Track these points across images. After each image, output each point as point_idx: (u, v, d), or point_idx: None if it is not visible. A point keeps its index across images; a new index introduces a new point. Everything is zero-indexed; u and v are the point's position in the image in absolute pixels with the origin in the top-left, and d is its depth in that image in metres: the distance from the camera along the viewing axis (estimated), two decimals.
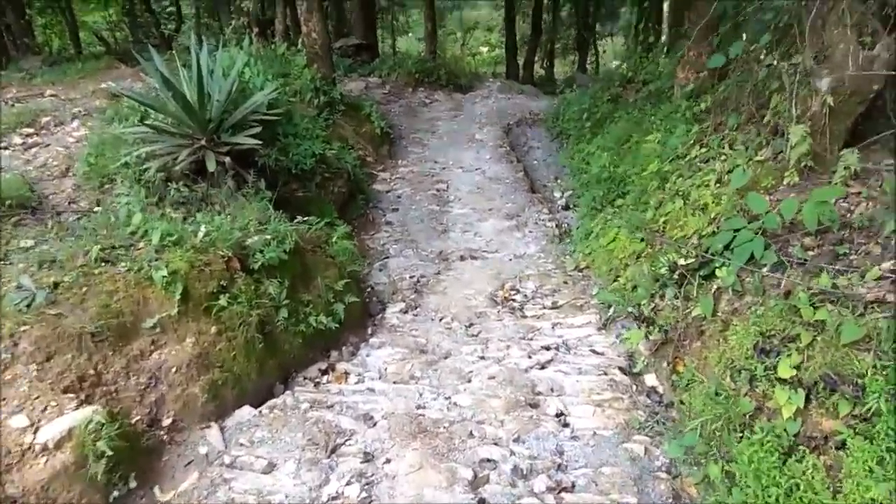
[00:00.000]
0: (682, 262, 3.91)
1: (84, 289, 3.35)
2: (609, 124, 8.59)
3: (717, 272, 3.63)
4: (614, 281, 4.84)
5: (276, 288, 3.94)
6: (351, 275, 4.89)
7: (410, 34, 27.85)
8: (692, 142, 5.30)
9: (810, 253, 3.45)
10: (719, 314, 3.53)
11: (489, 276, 5.62)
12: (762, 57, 4.17)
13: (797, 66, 3.98)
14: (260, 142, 5.05)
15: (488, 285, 5.41)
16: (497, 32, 30.84)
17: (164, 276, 3.42)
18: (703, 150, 5.10)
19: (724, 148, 4.86)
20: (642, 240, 4.72)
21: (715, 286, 3.70)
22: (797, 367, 2.81)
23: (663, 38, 10.54)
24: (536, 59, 22.82)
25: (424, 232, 6.79)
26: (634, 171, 6.24)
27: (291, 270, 4.22)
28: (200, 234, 3.90)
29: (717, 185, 4.44)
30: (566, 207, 7.60)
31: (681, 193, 4.78)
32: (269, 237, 4.18)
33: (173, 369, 3.27)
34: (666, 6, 20.85)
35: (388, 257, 6.24)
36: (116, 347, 3.24)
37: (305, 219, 4.89)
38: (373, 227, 6.94)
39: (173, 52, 11.65)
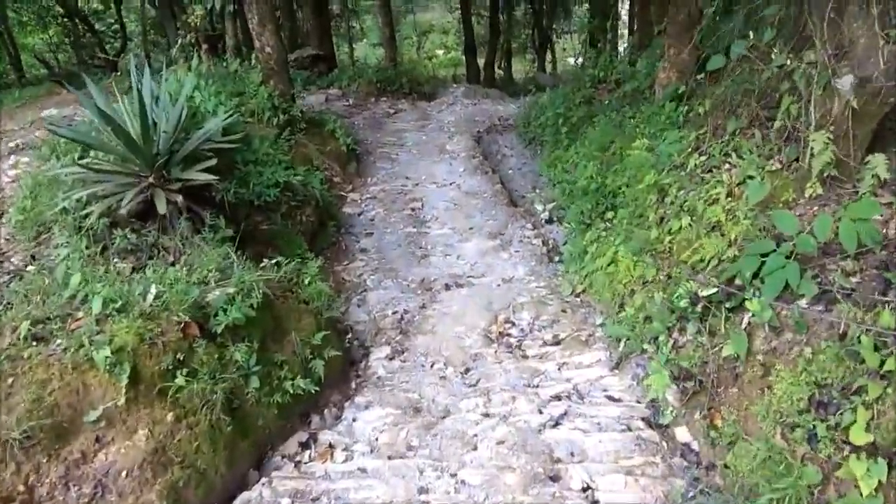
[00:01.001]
0: (703, 292, 3.49)
1: (10, 380, 2.76)
2: (586, 129, 8.19)
3: (747, 304, 3.21)
4: (620, 310, 4.40)
5: (244, 353, 3.38)
6: (329, 322, 4.35)
7: (364, 40, 27.30)
8: (689, 149, 4.90)
9: (853, 279, 3.06)
10: (756, 355, 3.11)
11: (479, 306, 5.14)
12: (773, 55, 3.77)
13: (814, 64, 3.59)
14: (216, 177, 4.48)
15: (480, 318, 4.93)
16: (453, 35, 30.53)
17: (107, 357, 2.84)
18: (703, 158, 4.70)
19: (728, 156, 4.47)
20: (650, 264, 4.28)
21: (745, 320, 3.28)
22: (867, 427, 2.39)
23: (623, 35, 10.20)
24: (495, 59, 22.45)
25: (403, 258, 6.28)
26: (624, 181, 5.82)
27: (261, 328, 3.67)
28: (150, 297, 3.33)
29: (729, 199, 4.03)
30: (550, 221, 7.16)
31: (686, 209, 4.36)
32: (232, 290, 3.62)
33: (123, 473, 2.70)
34: (621, 3, 20.76)
35: (366, 290, 5.71)
36: (52, 452, 2.66)
37: (274, 260, 4.34)
38: (347, 257, 6.39)
39: (119, 73, 10.94)
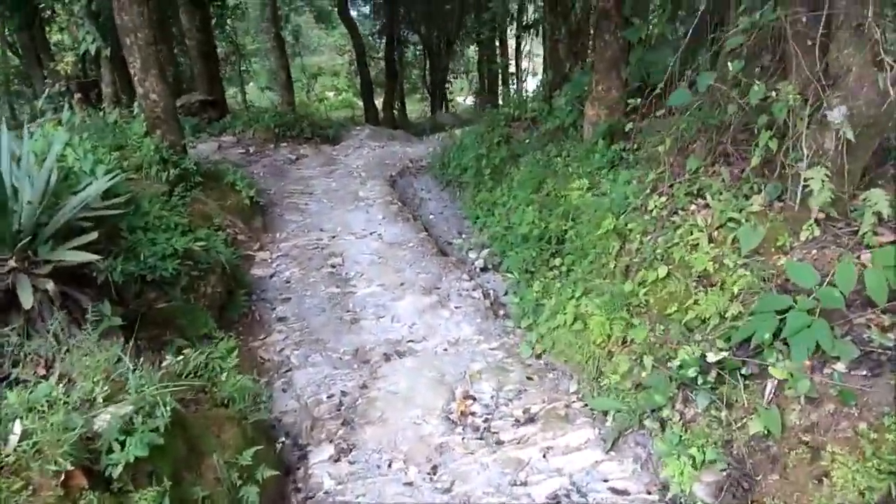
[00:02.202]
0: (712, 357, 3.00)
1: None
2: (511, 169, 7.82)
3: (773, 371, 2.75)
4: (599, 376, 3.86)
5: (153, 500, 2.49)
6: (256, 429, 3.49)
7: (252, 83, 26.25)
8: (647, 190, 4.53)
9: (891, 336, 2.67)
10: (794, 432, 2.63)
11: (431, 380, 4.44)
12: (754, 87, 3.43)
13: (796, 96, 3.28)
14: (96, 256, 3.53)
15: (435, 396, 4.23)
16: (344, 77, 30.09)
17: None
18: (664, 199, 4.33)
19: (694, 196, 4.11)
20: (631, 323, 3.79)
21: (769, 389, 2.81)
22: None
23: (525, 72, 10.02)
24: (393, 100, 22.14)
25: (330, 325, 5.46)
26: (569, 225, 5.40)
27: (172, 455, 2.78)
28: (14, 439, 2.38)
29: (712, 245, 3.63)
30: (485, 269, 6.62)
31: (660, 257, 3.93)
32: (129, 410, 2.72)
33: None
34: (528, 42, 21.17)
35: (291, 369, 4.84)
36: None
37: (178, 357, 3.45)
38: (263, 329, 5.49)
39: None
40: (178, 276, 4.73)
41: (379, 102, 21.22)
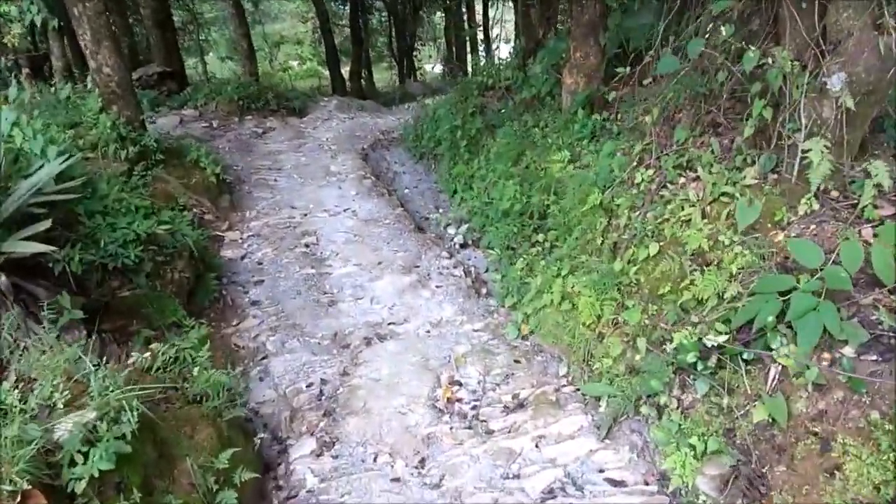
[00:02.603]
0: (711, 341, 2.89)
1: None
2: (487, 140, 7.59)
3: (778, 357, 2.64)
4: (589, 359, 3.74)
5: None
6: (232, 426, 3.29)
7: (212, 54, 25.33)
8: (634, 163, 4.37)
9: None
10: (801, 420, 2.53)
11: (414, 366, 4.27)
12: (749, 53, 3.26)
13: (793, 62, 3.12)
14: (50, 247, 3.25)
15: (420, 383, 4.07)
16: (308, 45, 29.19)
17: None
18: (651, 172, 4.18)
19: (683, 169, 3.97)
20: (623, 304, 3.65)
21: (772, 375, 2.71)
22: None
23: (499, 39, 9.70)
24: (360, 69, 21.53)
25: (306, 309, 5.25)
26: (552, 199, 5.23)
27: (141, 463, 2.57)
28: None
29: (705, 220, 3.50)
30: (465, 245, 6.44)
31: (650, 234, 3.79)
32: (93, 417, 2.50)
33: None
34: (498, 6, 20.68)
35: (267, 356, 4.63)
36: None
37: (146, 352, 3.22)
38: (236, 315, 5.24)
39: None
40: (142, 262, 4.45)
41: (345, 71, 20.63)
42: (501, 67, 9.01)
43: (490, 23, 22.44)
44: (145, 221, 4.71)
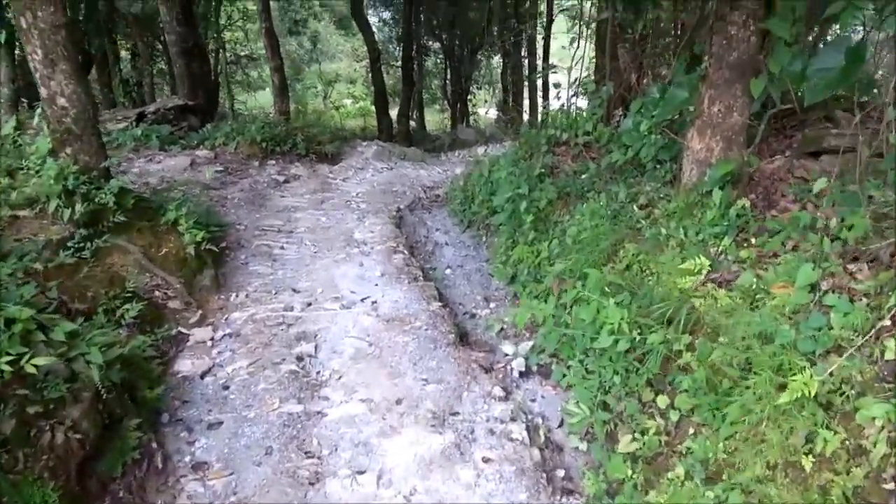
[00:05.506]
0: None
1: None
2: (562, 217, 5.61)
3: None
4: None
5: None
6: None
7: (268, 89, 24.49)
8: (881, 319, 2.28)
9: None
10: None
11: None
12: None
13: None
14: None
15: None
16: (360, 84, 28.22)
17: None
18: None
19: None
20: None
21: None
22: None
23: (578, 85, 7.80)
24: (409, 111, 20.02)
25: (274, 490, 3.27)
26: (684, 343, 3.17)
27: None
28: None
29: None
30: (527, 373, 4.40)
31: None
32: None
33: None
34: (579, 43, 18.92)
35: None
36: None
37: None
38: (164, 488, 3.29)
39: None
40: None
41: (394, 113, 19.16)
42: (580, 119, 7.06)
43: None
44: (24, 338, 2.87)
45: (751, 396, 2.47)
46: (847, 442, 2.13)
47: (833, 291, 2.62)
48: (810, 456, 2.18)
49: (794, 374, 2.25)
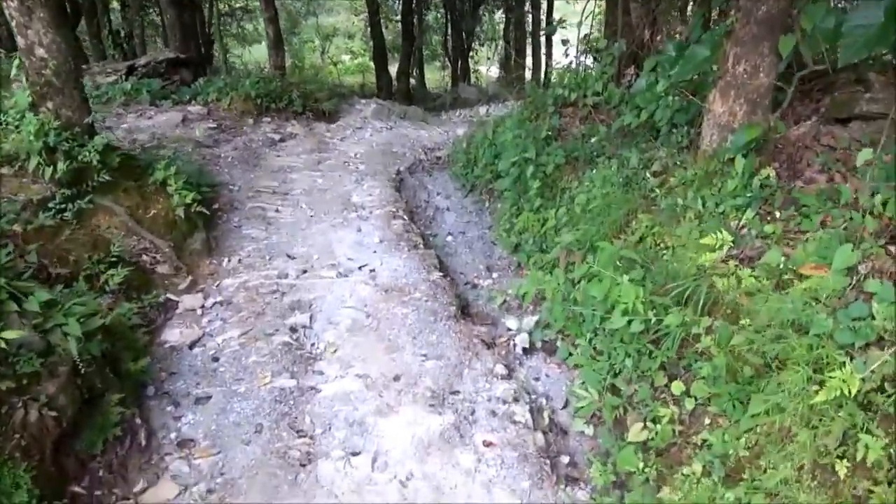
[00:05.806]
0: None
1: None
2: (571, 183, 5.35)
3: None
4: None
5: None
6: None
7: (263, 42, 23.79)
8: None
9: None
10: None
11: None
12: None
13: None
14: None
15: None
16: (359, 39, 27.47)
17: None
18: None
19: None
20: None
21: None
22: None
23: (586, 42, 7.43)
24: (409, 68, 19.45)
25: (261, 472, 3.10)
26: (702, 326, 2.96)
27: None
28: None
29: None
30: (530, 349, 4.21)
31: None
32: None
33: None
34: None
35: None
36: None
37: None
38: (147, 467, 3.13)
39: None
40: None
41: (394, 70, 18.61)
42: (589, 78, 6.70)
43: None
44: None
45: (775, 390, 2.27)
46: (891, 449, 1.93)
47: (873, 276, 2.40)
48: (844, 460, 1.99)
49: (833, 370, 2.04)
